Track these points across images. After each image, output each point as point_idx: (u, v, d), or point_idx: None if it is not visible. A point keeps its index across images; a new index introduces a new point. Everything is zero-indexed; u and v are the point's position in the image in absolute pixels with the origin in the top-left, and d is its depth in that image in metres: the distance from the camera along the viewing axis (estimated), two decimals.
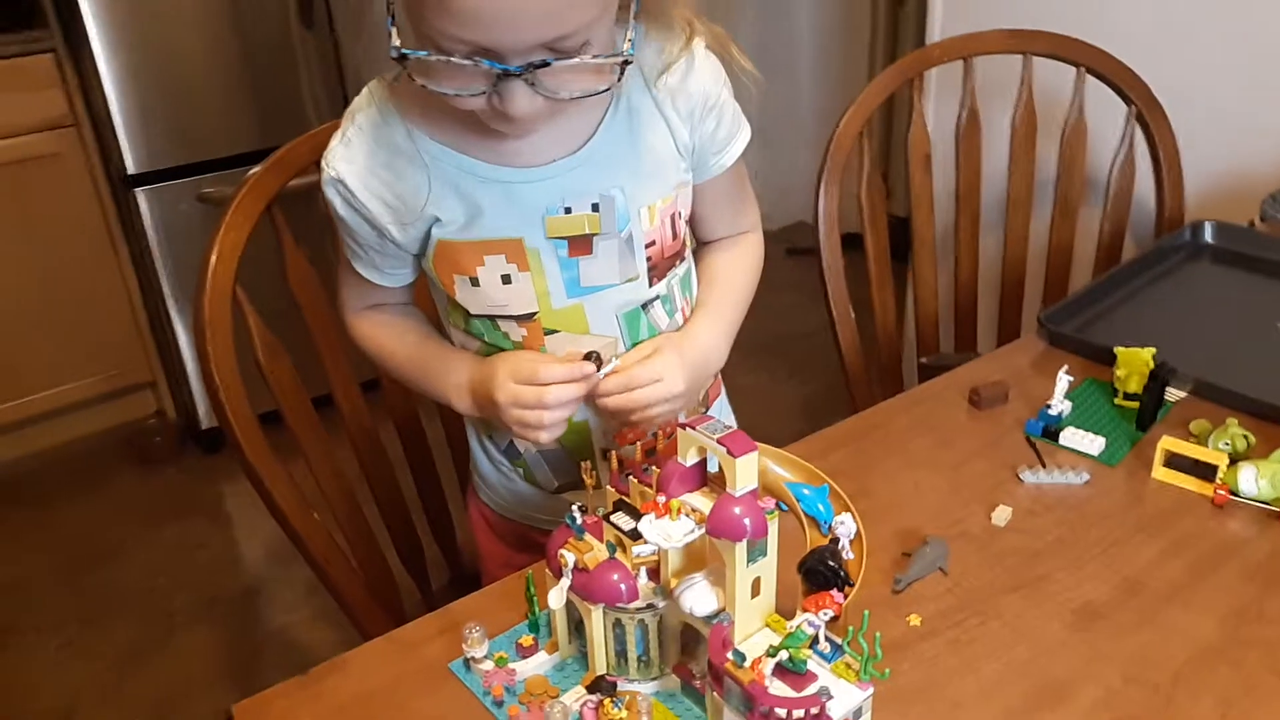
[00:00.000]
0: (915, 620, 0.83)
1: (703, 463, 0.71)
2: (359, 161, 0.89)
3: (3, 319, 2.40)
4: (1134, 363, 1.08)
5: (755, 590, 0.69)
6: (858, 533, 0.72)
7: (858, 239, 1.48)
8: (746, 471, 0.66)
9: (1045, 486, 0.99)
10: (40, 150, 2.33)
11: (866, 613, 0.67)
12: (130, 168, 2.28)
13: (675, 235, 0.97)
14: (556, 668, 0.80)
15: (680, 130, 0.93)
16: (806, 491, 0.76)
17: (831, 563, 0.67)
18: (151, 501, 2.44)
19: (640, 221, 0.92)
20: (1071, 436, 1.04)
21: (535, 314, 0.93)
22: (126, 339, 2.58)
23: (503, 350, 0.96)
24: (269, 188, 1.12)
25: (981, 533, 0.93)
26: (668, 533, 0.68)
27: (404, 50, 0.75)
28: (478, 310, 0.94)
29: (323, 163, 0.91)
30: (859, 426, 1.10)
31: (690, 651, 0.76)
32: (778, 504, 0.68)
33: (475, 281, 0.92)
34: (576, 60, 0.76)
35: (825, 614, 0.66)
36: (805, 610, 0.67)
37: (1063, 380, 1.05)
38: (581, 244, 0.91)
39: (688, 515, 0.69)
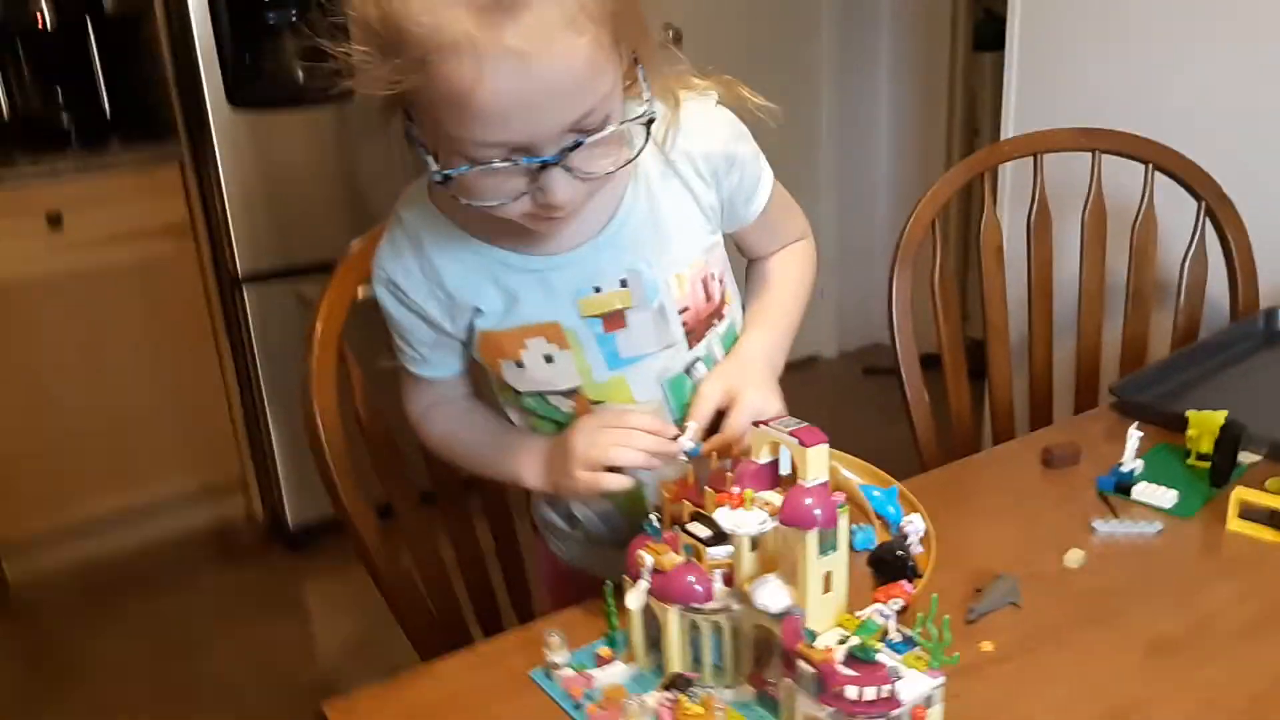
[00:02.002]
0: (988, 646, 0.84)
1: (775, 464, 0.75)
2: (404, 261, 0.94)
3: (112, 415, 2.54)
4: (1207, 424, 1.10)
5: (827, 585, 0.72)
6: (927, 531, 0.75)
7: (935, 359, 1.52)
8: (818, 462, 0.69)
9: (1119, 535, 0.99)
10: (159, 253, 2.50)
11: (935, 596, 0.69)
12: (240, 269, 2.44)
13: (709, 298, 0.99)
14: (634, 678, 0.82)
15: (705, 193, 0.96)
16: (877, 493, 0.79)
17: (900, 553, 0.69)
18: (238, 597, 2.50)
19: (671, 290, 0.95)
20: (1144, 491, 1.05)
21: (579, 388, 0.96)
22: (223, 438, 2.70)
23: (557, 420, 0.99)
24: (370, 255, 1.21)
25: (1054, 573, 0.94)
26: (741, 521, 0.71)
27: (446, 172, 0.77)
28: (525, 388, 0.98)
29: (373, 267, 0.96)
30: (932, 482, 1.12)
31: (764, 662, 0.78)
32: (847, 501, 0.71)
33: (520, 364, 0.96)
34: (605, 132, 0.77)
35: (895, 604, 0.69)
36: (876, 601, 0.70)
37: (1133, 437, 1.06)
38: (615, 319, 0.94)
39: (761, 507, 0.72)
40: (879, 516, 0.78)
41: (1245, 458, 1.11)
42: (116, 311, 2.49)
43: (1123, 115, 1.68)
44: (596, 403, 0.97)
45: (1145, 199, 1.60)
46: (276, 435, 2.56)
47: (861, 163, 3.51)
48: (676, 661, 0.78)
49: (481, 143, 0.75)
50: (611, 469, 0.88)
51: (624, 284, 0.93)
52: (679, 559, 0.78)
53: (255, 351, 2.50)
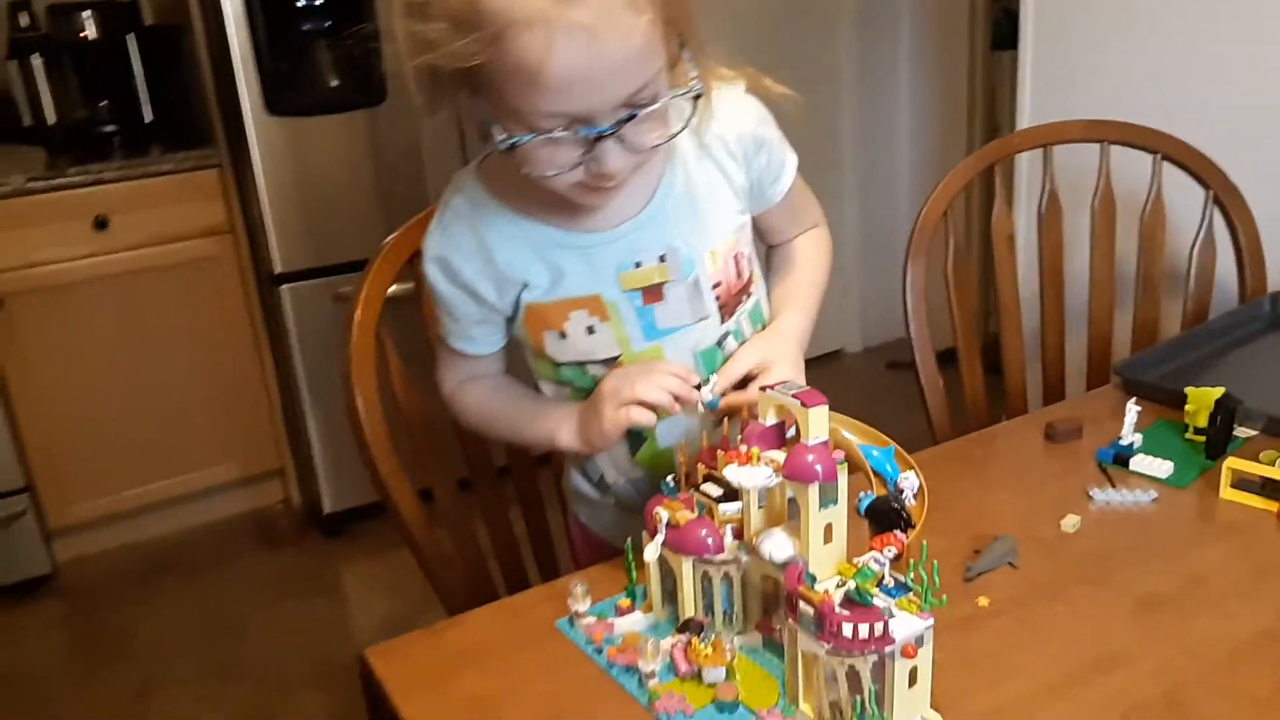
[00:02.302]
0: (984, 602, 0.89)
1: (781, 426, 0.81)
2: (456, 239, 1.00)
3: (158, 407, 2.64)
4: (1204, 400, 1.14)
5: (828, 536, 0.77)
6: (920, 486, 0.80)
7: (953, 354, 1.57)
8: (818, 421, 0.75)
9: (1115, 503, 1.04)
10: (200, 254, 2.60)
11: (925, 544, 0.74)
12: (277, 268, 2.53)
13: (739, 274, 1.06)
14: (651, 625, 0.88)
15: (736, 174, 1.03)
16: (875, 453, 0.84)
17: (895, 505, 0.75)
18: (276, 579, 2.59)
19: (705, 265, 1.02)
20: (1141, 462, 1.10)
21: (618, 357, 1.03)
22: (262, 428, 2.79)
23: (591, 391, 1.04)
24: (412, 243, 1.28)
25: (1051, 537, 0.99)
26: (748, 476, 0.77)
27: (511, 140, 0.83)
28: (566, 359, 1.05)
29: (423, 247, 1.04)
30: (940, 454, 1.17)
31: (771, 611, 0.84)
32: (846, 461, 0.77)
33: (563, 335, 1.02)
34: (656, 106, 0.84)
35: (890, 551, 0.74)
36: (872, 549, 0.75)
37: (1132, 411, 1.11)
38: (654, 292, 1.01)
39: (767, 464, 0.78)
40: (876, 473, 0.83)
41: (1242, 432, 1.16)
42: (160, 309, 2.58)
43: (1135, 107, 1.72)
44: None
45: (1154, 188, 1.64)
46: (314, 426, 2.64)
47: (884, 160, 3.55)
48: (690, 609, 0.84)
49: (545, 113, 0.81)
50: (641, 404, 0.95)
51: (662, 259, 1.00)
52: (692, 515, 0.84)
53: (293, 346, 2.58)
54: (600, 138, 0.83)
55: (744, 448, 0.79)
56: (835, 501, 0.77)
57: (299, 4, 2.43)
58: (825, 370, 3.46)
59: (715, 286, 1.04)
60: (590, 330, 1.02)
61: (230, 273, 2.65)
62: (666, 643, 0.82)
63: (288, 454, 2.83)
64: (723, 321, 1.06)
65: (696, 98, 0.88)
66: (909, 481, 0.80)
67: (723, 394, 0.96)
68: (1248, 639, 0.83)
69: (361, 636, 2.33)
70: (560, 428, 1.04)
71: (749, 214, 1.08)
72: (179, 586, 2.56)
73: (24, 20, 2.66)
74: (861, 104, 3.45)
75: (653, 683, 0.80)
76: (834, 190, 3.47)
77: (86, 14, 2.67)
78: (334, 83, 2.55)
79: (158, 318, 2.59)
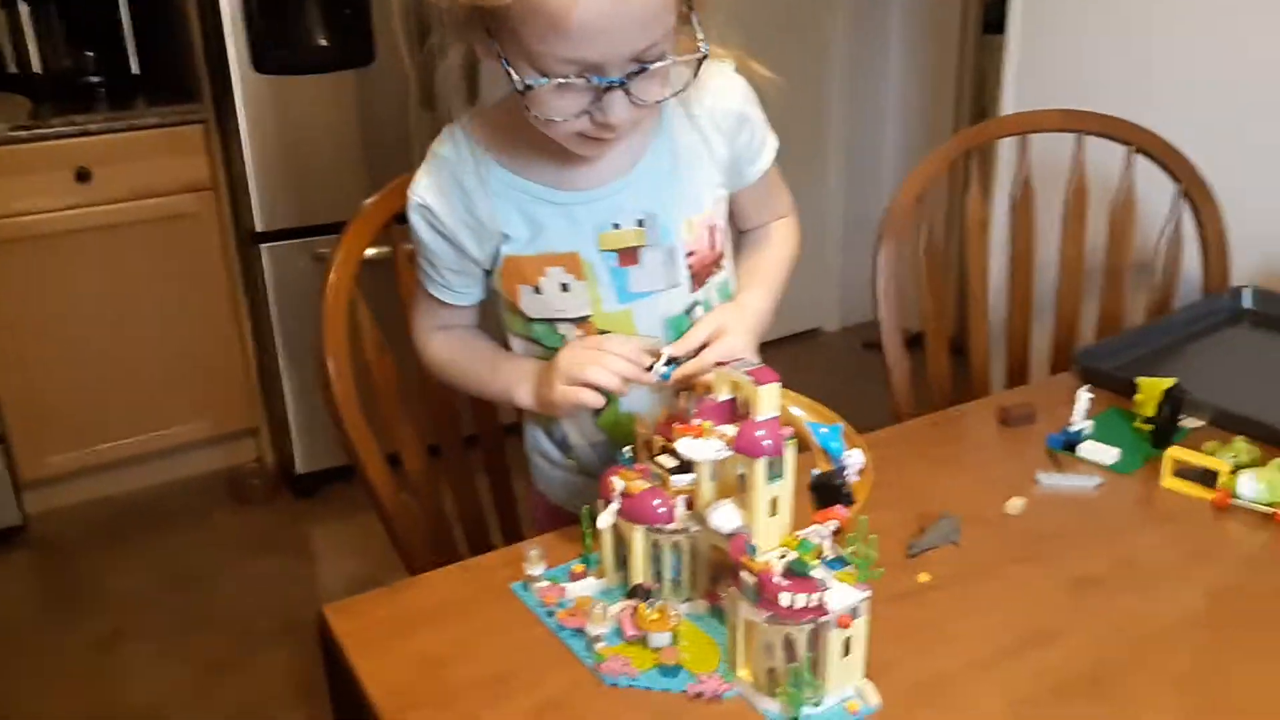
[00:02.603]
0: (925, 577, 0.93)
1: (734, 402, 0.83)
2: (442, 189, 1.03)
3: (134, 362, 2.64)
4: (1153, 390, 1.17)
5: (774, 510, 0.80)
6: (865, 465, 0.83)
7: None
8: (769, 398, 0.78)
9: (1060, 487, 1.08)
10: (181, 209, 2.59)
11: (864, 519, 0.77)
12: (258, 226, 2.53)
13: (713, 246, 1.09)
14: (603, 591, 0.91)
15: (719, 148, 1.06)
16: (823, 429, 0.87)
17: (837, 480, 0.78)
18: (246, 536, 2.61)
19: (681, 233, 1.05)
20: (1089, 449, 1.13)
21: (589, 317, 1.06)
22: (237, 387, 2.80)
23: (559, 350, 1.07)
24: (389, 208, 1.29)
25: (995, 518, 1.02)
26: (700, 449, 0.80)
27: (527, 82, 0.87)
28: (538, 315, 1.07)
29: (409, 192, 1.06)
30: (895, 434, 1.20)
31: (719, 580, 0.87)
32: (794, 437, 0.80)
33: (538, 290, 1.05)
34: (665, 63, 0.89)
35: (831, 525, 0.77)
36: (814, 523, 0.78)
37: (1083, 398, 1.14)
38: (629, 255, 1.04)
39: (718, 438, 0.81)
40: (822, 450, 0.86)
41: (1190, 423, 1.19)
42: (140, 263, 2.58)
43: (1116, 97, 1.74)
44: (603, 332, 1.06)
45: (1126, 180, 1.66)
46: (289, 386, 2.66)
47: (869, 140, 3.56)
48: (639, 575, 0.87)
49: (562, 58, 0.85)
50: (590, 387, 0.98)
51: (640, 224, 1.03)
52: (646, 484, 0.86)
53: (271, 305, 2.59)
54: (609, 88, 0.87)
55: (697, 421, 0.81)
56: (781, 476, 0.80)
57: None
58: (802, 348, 3.49)
59: (689, 255, 1.07)
60: (564, 287, 1.05)
61: (211, 229, 2.65)
62: (615, 608, 0.85)
63: (262, 413, 2.85)
64: (693, 290, 1.08)
65: (700, 60, 0.92)
66: (854, 459, 0.83)
67: (675, 362, 0.97)
68: (1172, 621, 0.87)
69: (327, 595, 2.32)
70: (518, 386, 1.07)
71: (727, 189, 1.11)
72: (149, 541, 2.58)
73: None
74: (851, 80, 3.45)
75: (600, 645, 0.83)
76: (818, 168, 3.49)
77: None
78: (322, 42, 2.54)
79: (137, 272, 2.59)
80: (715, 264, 1.11)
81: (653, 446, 0.90)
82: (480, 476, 1.39)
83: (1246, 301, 1.52)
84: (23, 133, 2.40)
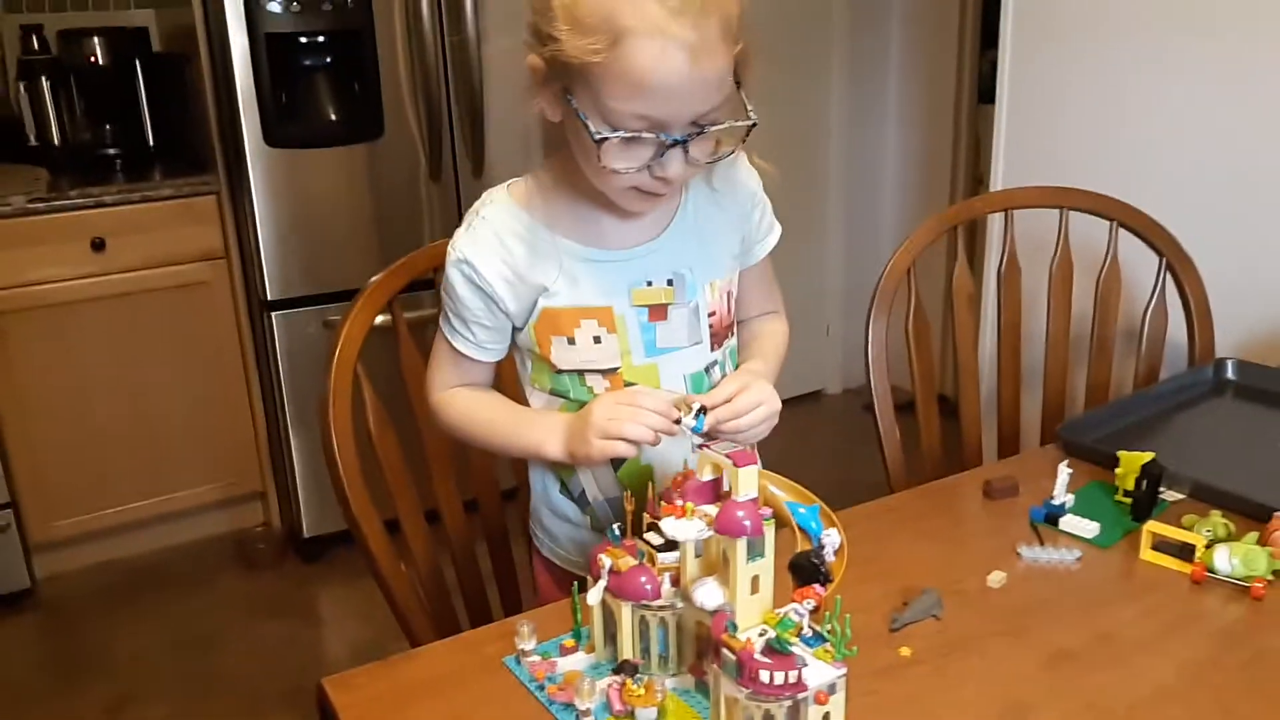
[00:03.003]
0: (906, 651, 0.95)
1: (718, 481, 0.87)
2: (484, 244, 1.10)
3: (144, 427, 2.69)
4: (1133, 464, 1.20)
5: (754, 588, 0.83)
6: (842, 543, 0.86)
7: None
8: (748, 480, 0.81)
9: (1041, 561, 1.11)
10: (195, 278, 2.66)
11: (839, 598, 0.80)
12: (269, 294, 2.59)
13: (729, 310, 1.18)
14: (592, 666, 0.94)
15: (739, 222, 1.17)
16: (802, 509, 0.90)
17: (815, 560, 0.81)
18: (253, 600, 2.64)
19: (705, 295, 1.14)
20: (1070, 522, 1.16)
21: (618, 368, 1.12)
22: (245, 452, 2.84)
23: (582, 402, 1.12)
24: (393, 286, 1.34)
25: (976, 592, 1.05)
26: (684, 529, 0.83)
27: (602, 134, 0.96)
28: (568, 366, 1.13)
29: (449, 249, 1.12)
30: (880, 508, 1.23)
31: (704, 655, 0.90)
32: (775, 517, 0.83)
33: (572, 341, 1.12)
34: (721, 126, 0.98)
35: (808, 604, 0.80)
36: (793, 601, 0.81)
37: (1063, 473, 1.18)
38: (659, 311, 1.12)
39: (701, 518, 0.84)
40: (801, 529, 0.89)
41: (1170, 495, 1.22)
42: (153, 330, 2.64)
43: (1101, 170, 1.81)
44: (629, 384, 1.12)
45: (1110, 253, 1.71)
46: (297, 451, 2.70)
47: (869, 207, 3.63)
48: (628, 651, 0.90)
49: (635, 114, 0.94)
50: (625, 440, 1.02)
51: (670, 282, 1.12)
52: (634, 562, 0.90)
53: (281, 371, 2.64)
54: (672, 145, 0.96)
55: (680, 502, 0.85)
56: (762, 555, 0.83)
57: (302, 40, 2.51)
58: (805, 410, 3.52)
59: (710, 315, 1.15)
60: (597, 340, 1.11)
61: (223, 297, 2.71)
62: (603, 682, 0.88)
63: (270, 478, 2.89)
64: (712, 349, 1.16)
65: (750, 128, 1.00)
66: (831, 538, 0.86)
67: (704, 412, 1.03)
68: (1146, 694, 0.89)
69: (332, 660, 2.38)
70: (548, 439, 1.11)
71: (739, 263, 1.19)
72: (157, 604, 2.61)
73: (35, 43, 2.74)
74: (850, 149, 3.53)
75: None
76: (819, 234, 3.55)
77: (96, 40, 2.75)
78: (333, 116, 2.62)
79: (150, 339, 2.65)
80: (730, 329, 1.20)
81: (643, 523, 0.93)
82: (481, 543, 1.42)
83: (1229, 373, 1.56)
84: (40, 204, 2.47)
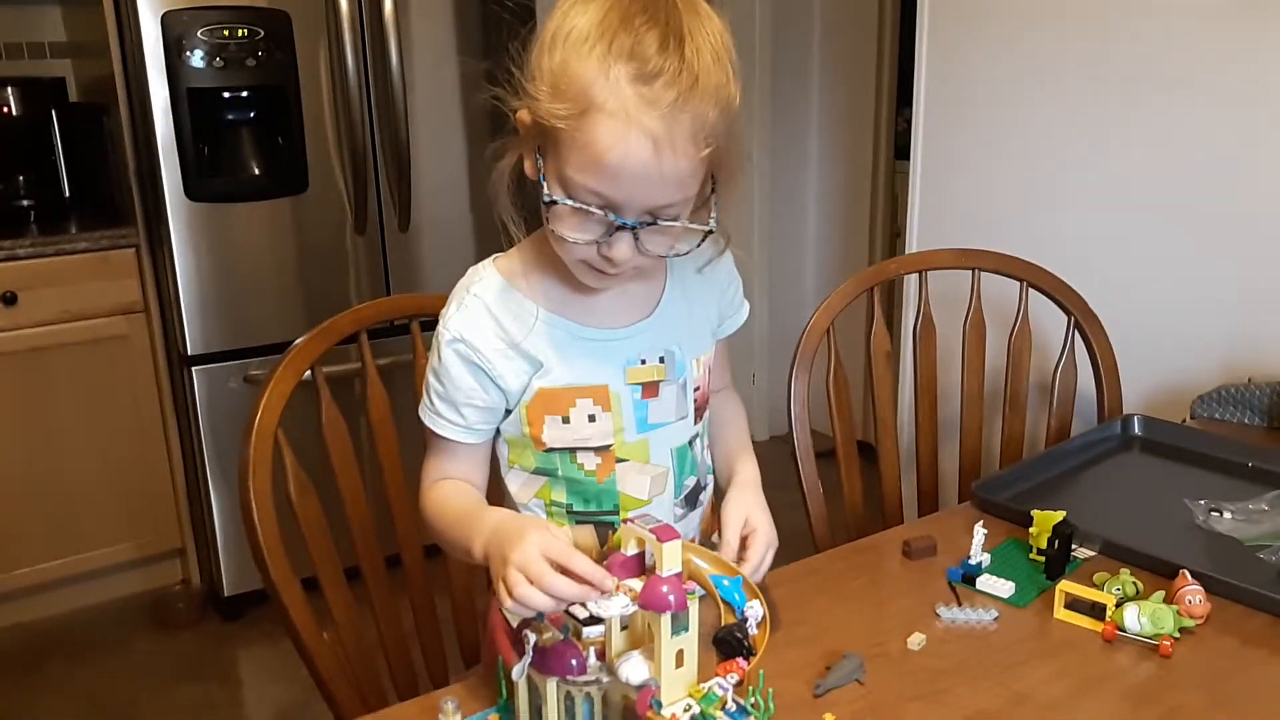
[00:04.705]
0: (830, 718, 0.97)
1: (641, 556, 0.88)
2: (476, 319, 1.08)
3: (59, 483, 2.62)
4: (1046, 522, 1.24)
5: (679, 661, 0.84)
6: (764, 616, 0.88)
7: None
8: (672, 555, 0.82)
9: (959, 621, 1.13)
10: (112, 331, 2.61)
11: (761, 672, 0.82)
12: (189, 349, 2.55)
13: (709, 385, 1.21)
14: None
15: (719, 299, 1.21)
16: (725, 582, 0.92)
17: (738, 634, 0.82)
18: (170, 663, 2.57)
19: (692, 371, 1.16)
20: (987, 582, 1.19)
21: (610, 445, 1.12)
22: (163, 509, 2.78)
23: (572, 480, 1.13)
24: (314, 351, 1.34)
25: (897, 654, 1.07)
26: (607, 606, 0.84)
27: (554, 198, 0.97)
28: (559, 445, 1.12)
29: (440, 329, 1.09)
30: (801, 570, 1.25)
31: None
32: (699, 590, 0.84)
33: (566, 420, 1.11)
34: (674, 224, 0.98)
35: (732, 678, 0.81)
36: (717, 675, 0.82)
37: (979, 533, 1.21)
38: (651, 388, 1.13)
39: (625, 593, 0.85)
40: (724, 602, 0.91)
41: (1082, 553, 1.26)
42: (67, 385, 2.58)
43: (1011, 230, 1.88)
44: (621, 460, 1.13)
45: (1021, 312, 1.77)
46: (217, 507, 2.65)
47: (791, 260, 3.70)
48: None
49: (589, 189, 0.94)
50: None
51: (662, 360, 1.13)
52: (560, 636, 0.90)
53: (201, 427, 2.59)
54: (621, 227, 0.96)
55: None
56: (686, 629, 0.84)
57: (225, 95, 2.49)
58: None
59: (696, 390, 1.17)
60: (592, 419, 1.11)
61: (141, 351, 2.66)
62: None
63: (189, 535, 2.82)
64: (695, 422, 1.18)
65: (707, 234, 1.02)
66: (753, 611, 0.87)
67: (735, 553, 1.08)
68: None
69: None
70: (476, 537, 0.99)
71: (715, 337, 1.23)
72: (69, 669, 2.52)
73: None
74: (770, 205, 3.61)
75: None
76: (744, 286, 3.60)
77: (10, 89, 2.70)
78: (256, 170, 2.60)
79: (64, 394, 2.58)
80: (707, 400, 1.21)
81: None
82: (404, 599, 1.41)
83: (1136, 428, 1.61)
84: None
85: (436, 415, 1.12)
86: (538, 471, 1.15)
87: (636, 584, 0.86)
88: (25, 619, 2.68)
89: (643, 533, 0.85)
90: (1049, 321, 1.78)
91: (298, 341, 1.33)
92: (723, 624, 0.87)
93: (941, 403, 1.78)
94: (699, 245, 1.04)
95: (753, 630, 0.87)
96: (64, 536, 2.65)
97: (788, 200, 3.64)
